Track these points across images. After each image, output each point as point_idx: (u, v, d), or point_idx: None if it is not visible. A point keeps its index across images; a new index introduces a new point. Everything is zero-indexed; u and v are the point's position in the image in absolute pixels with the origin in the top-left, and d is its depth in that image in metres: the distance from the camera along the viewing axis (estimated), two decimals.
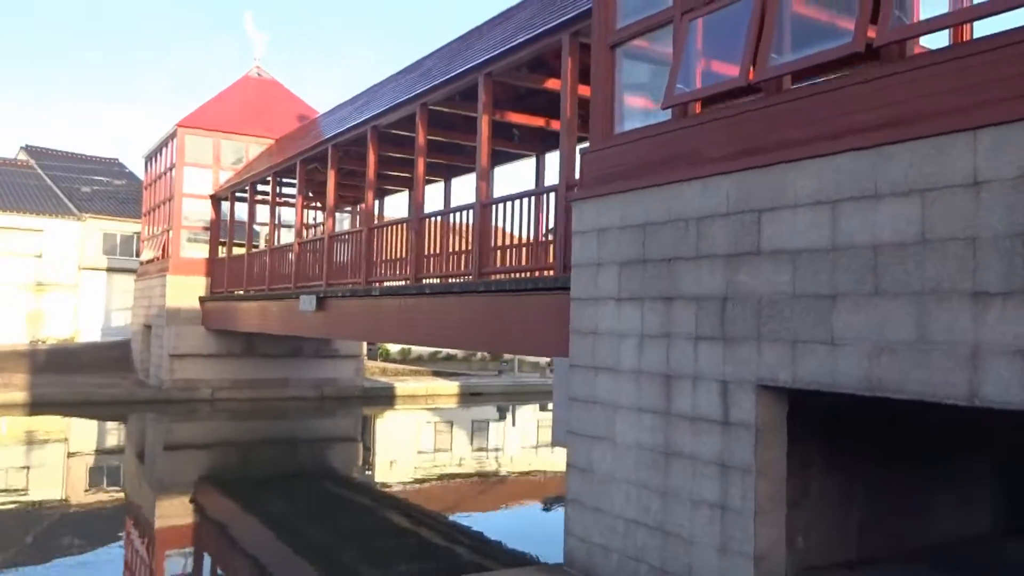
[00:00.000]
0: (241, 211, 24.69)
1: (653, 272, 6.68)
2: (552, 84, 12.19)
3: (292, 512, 12.88)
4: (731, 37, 6.42)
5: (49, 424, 21.36)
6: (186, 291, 24.04)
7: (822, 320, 5.28)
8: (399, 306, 13.10)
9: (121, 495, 14.60)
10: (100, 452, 18.87)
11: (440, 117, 13.80)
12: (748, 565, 5.66)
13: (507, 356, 38.71)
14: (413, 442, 21.40)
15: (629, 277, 6.92)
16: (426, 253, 13.16)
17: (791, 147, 5.59)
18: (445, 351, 38.16)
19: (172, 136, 24.90)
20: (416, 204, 13.03)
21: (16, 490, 14.42)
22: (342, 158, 17.10)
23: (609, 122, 7.50)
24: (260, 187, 22.37)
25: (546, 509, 13.91)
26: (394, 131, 14.96)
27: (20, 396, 22.26)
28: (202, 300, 24.14)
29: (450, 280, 12.77)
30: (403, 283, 13.55)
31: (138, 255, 39.14)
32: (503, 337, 10.65)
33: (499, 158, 17.09)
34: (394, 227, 14.05)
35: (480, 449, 20.46)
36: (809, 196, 5.43)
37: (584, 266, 7.48)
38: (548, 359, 38.12)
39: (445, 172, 19.00)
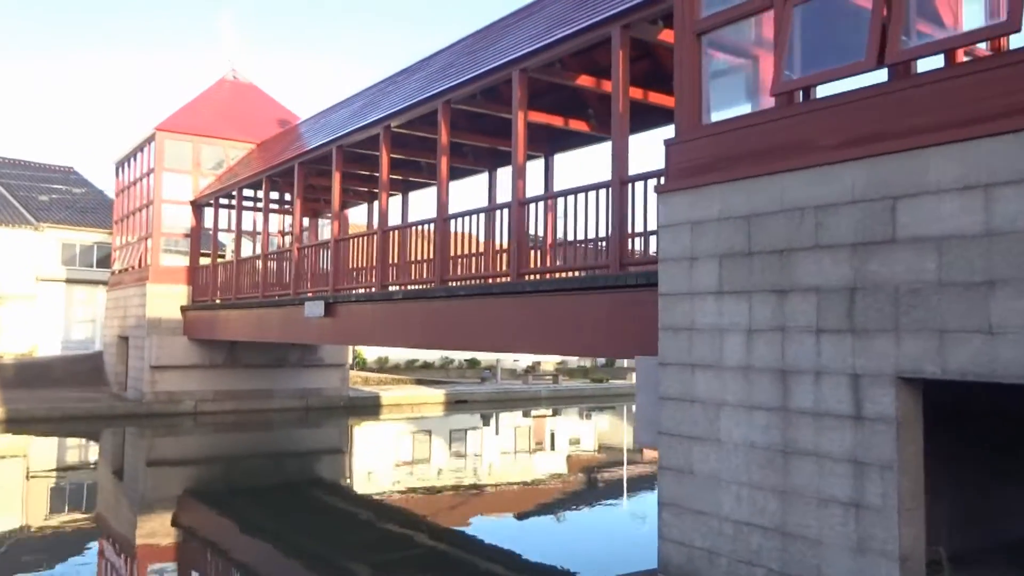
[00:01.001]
0: (221, 218, 23.96)
1: (761, 264, 6.46)
2: (584, 80, 11.99)
3: (289, 527, 12.16)
4: (842, 23, 6.26)
5: (25, 442, 20.32)
6: (166, 300, 23.17)
7: (976, 308, 5.11)
8: (423, 309, 12.69)
9: (110, 512, 13.81)
10: (82, 469, 17.87)
11: (463, 116, 13.48)
12: (892, 566, 5.45)
13: (486, 364, 38.40)
14: (404, 452, 20.86)
15: (732, 270, 6.69)
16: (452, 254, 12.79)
17: (931, 131, 5.42)
18: (421, 359, 37.69)
19: (149, 140, 24.02)
20: (440, 204, 12.65)
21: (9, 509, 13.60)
22: (346, 161, 16.60)
23: (696, 113, 7.28)
24: (245, 192, 21.74)
25: (558, 519, 13.63)
26: (406, 131, 14.57)
27: None
28: (184, 309, 23.30)
29: (468, 283, 12.44)
30: (424, 286, 13.15)
31: (99, 266, 37.92)
32: (549, 338, 10.33)
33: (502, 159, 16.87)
34: (412, 229, 13.65)
35: (473, 456, 20.02)
36: (955, 181, 5.27)
37: (674, 260, 7.23)
38: (527, 365, 37.87)
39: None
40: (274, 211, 25.39)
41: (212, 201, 22.83)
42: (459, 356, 38.82)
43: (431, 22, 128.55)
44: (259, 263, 18.99)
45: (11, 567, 9.89)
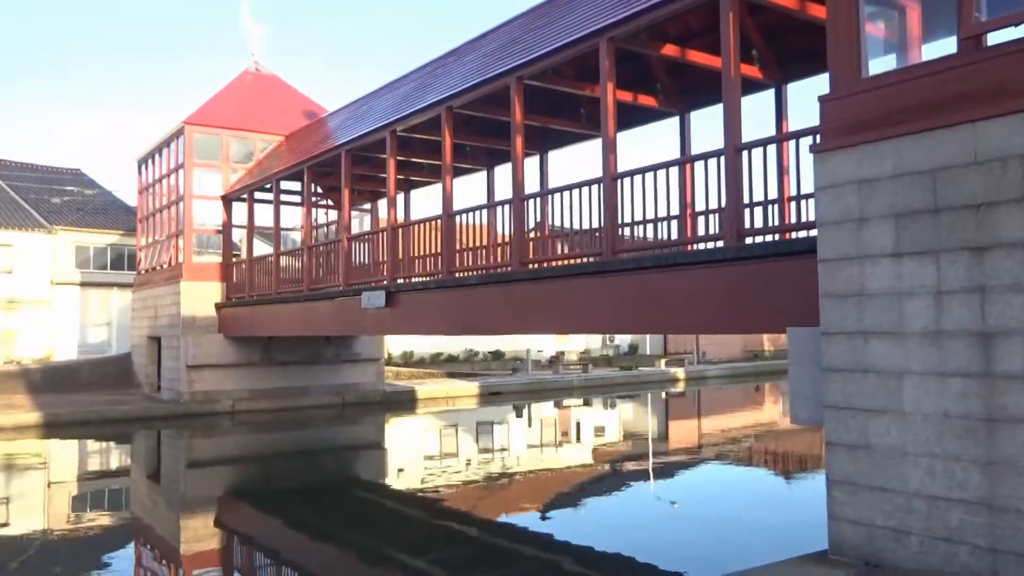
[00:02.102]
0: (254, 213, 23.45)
1: (951, 221, 6.02)
2: (669, 50, 11.53)
3: (336, 525, 11.71)
4: None
5: (64, 446, 19.83)
6: (200, 298, 22.68)
7: None
8: (502, 294, 12.23)
9: (153, 513, 13.35)
10: (122, 475, 17.29)
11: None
12: None
13: (511, 355, 37.99)
14: (444, 446, 20.41)
15: (912, 229, 6.25)
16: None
17: None
18: (446, 352, 37.25)
19: (177, 134, 23.49)
20: (516, 183, 12.18)
21: (65, 514, 13.15)
22: (401, 147, 16.08)
23: (855, 66, 6.83)
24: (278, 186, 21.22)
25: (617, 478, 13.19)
26: (468, 112, 14.10)
27: (31, 417, 20.62)
28: (219, 307, 22.81)
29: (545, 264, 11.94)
30: (500, 270, 12.70)
31: (112, 267, 37.36)
32: (654, 317, 9.91)
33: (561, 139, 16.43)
34: (477, 213, 13.17)
35: (519, 448, 19.54)
36: None
37: (836, 223, 6.78)
38: (550, 356, 37.44)
39: (486, 160, 18.28)
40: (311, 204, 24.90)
41: (246, 195, 22.32)
42: (483, 348, 38.41)
43: (443, 23, 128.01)
44: (304, 256, 18.48)
45: (67, 569, 9.53)
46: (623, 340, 43.94)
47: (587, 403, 29.22)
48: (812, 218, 9.13)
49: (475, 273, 13.09)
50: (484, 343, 38.64)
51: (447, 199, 13.77)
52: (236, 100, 24.62)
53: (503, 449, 19.36)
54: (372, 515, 12.91)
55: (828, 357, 6.84)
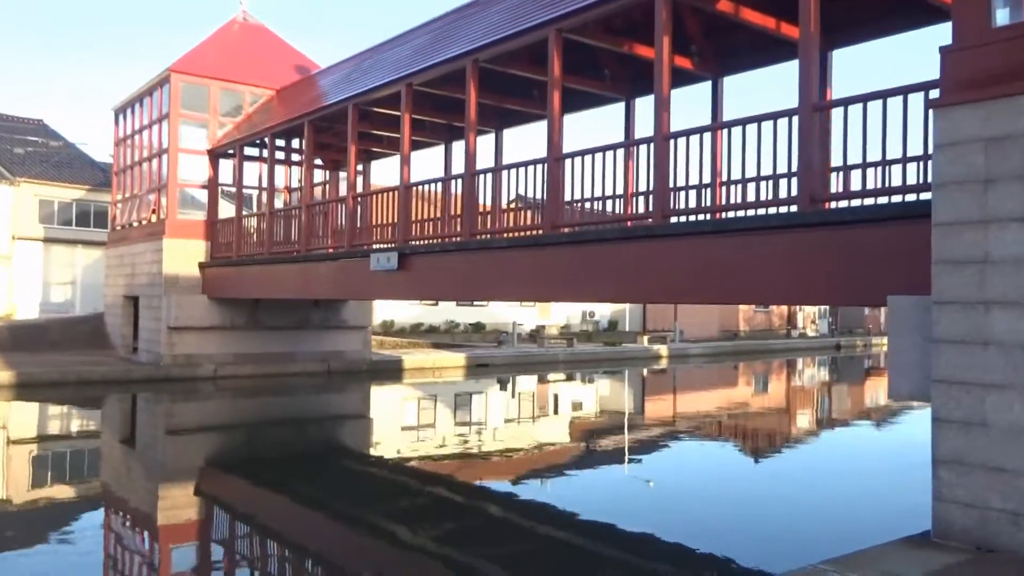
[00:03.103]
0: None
1: None
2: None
3: (330, 494, 11.12)
4: None
5: (41, 409, 18.81)
6: (184, 256, 21.67)
7: None
8: (533, 258, 11.61)
9: (133, 480, 12.59)
10: (98, 437, 16.37)
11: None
12: None
13: (491, 327, 37.44)
14: (434, 417, 19.83)
15: None
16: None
17: None
18: (427, 323, 36.56)
19: (162, 83, 22.29)
20: (554, 144, 11.52)
21: (54, 481, 12.32)
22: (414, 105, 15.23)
23: (984, 14, 6.32)
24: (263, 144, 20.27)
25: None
26: (494, 66, 13.35)
27: (4, 377, 19.51)
28: (202, 266, 21.83)
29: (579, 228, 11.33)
30: (532, 233, 12.07)
31: (78, 224, 35.86)
32: (712, 285, 9.37)
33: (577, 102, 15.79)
34: (505, 172, 12.49)
35: (517, 420, 19.05)
36: None
37: (958, 184, 6.29)
38: (531, 330, 36.94)
39: (496, 122, 17.59)
40: (294, 163, 23.95)
41: (234, 150, 21.28)
42: (465, 320, 37.78)
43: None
44: (303, 215, 17.62)
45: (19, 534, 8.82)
46: (603, 316, 43.63)
47: (573, 377, 28.83)
48: (896, 182, 8.71)
49: (503, 236, 12.41)
50: (465, 314, 38.03)
51: (470, 157, 13.07)
52: (224, 50, 23.46)
53: (493, 421, 18.87)
54: (359, 484, 12.39)
55: (940, 328, 6.37)
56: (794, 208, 8.70)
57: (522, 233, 12.31)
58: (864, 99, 8.14)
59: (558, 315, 41.57)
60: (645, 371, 32.63)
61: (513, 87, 15.43)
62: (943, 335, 6.36)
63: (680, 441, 17.06)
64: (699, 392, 28.01)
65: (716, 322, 46.75)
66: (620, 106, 15.60)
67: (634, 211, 11.82)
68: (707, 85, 13.67)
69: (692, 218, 10.26)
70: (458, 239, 13.26)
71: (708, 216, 10.03)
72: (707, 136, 9.80)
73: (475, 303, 37.90)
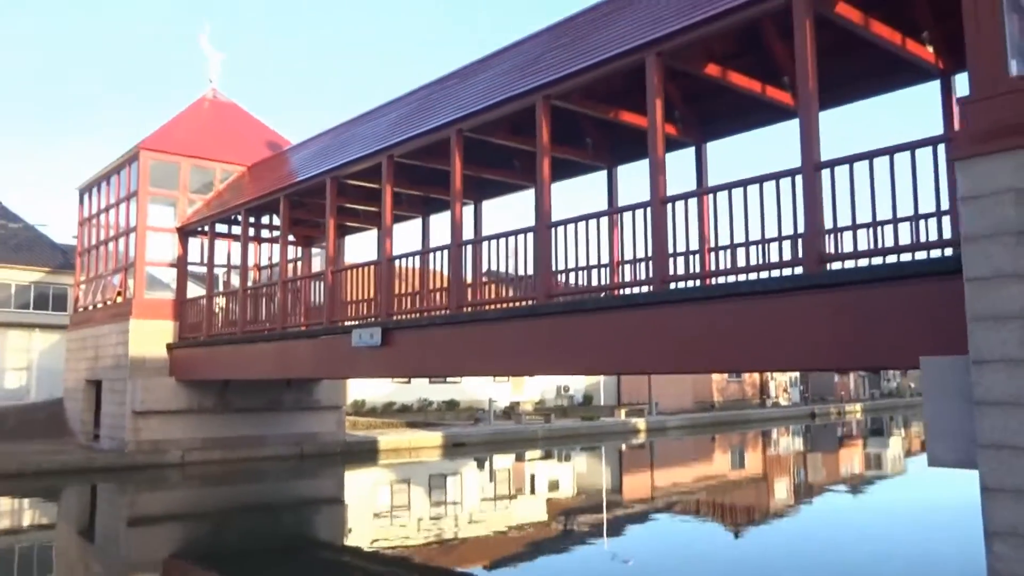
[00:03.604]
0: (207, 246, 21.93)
1: None
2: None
3: None
4: None
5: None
6: (151, 337, 20.85)
7: None
8: (531, 328, 11.16)
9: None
10: (52, 530, 15.23)
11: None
12: None
13: (465, 405, 36.66)
14: (410, 500, 18.94)
15: None
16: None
17: None
18: (399, 402, 35.67)
19: (130, 160, 21.85)
20: (543, 212, 11.24)
21: None
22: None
23: (1000, 63, 6.19)
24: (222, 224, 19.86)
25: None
26: (477, 136, 13.16)
27: None
28: (171, 347, 21.00)
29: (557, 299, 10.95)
30: (525, 303, 11.66)
31: (35, 307, 34.76)
32: (743, 352, 8.95)
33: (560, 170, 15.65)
34: (500, 240, 12.14)
35: (486, 501, 18.27)
36: None
37: (989, 237, 6.03)
38: (505, 406, 36.19)
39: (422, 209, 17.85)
40: (264, 240, 23.48)
41: (207, 227, 20.78)
42: (438, 398, 36.96)
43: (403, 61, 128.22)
44: (279, 292, 17.05)
45: None
46: (577, 390, 43.04)
47: (552, 455, 28.04)
48: (903, 241, 8.50)
49: (492, 307, 11.97)
50: (439, 392, 37.21)
51: (456, 227, 12.73)
52: (194, 126, 23.17)
53: (471, 502, 18.09)
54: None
55: (982, 389, 6.02)
56: (800, 270, 8.44)
57: (512, 304, 11.87)
58: (870, 156, 7.99)
59: (532, 390, 40.91)
60: (623, 446, 31.98)
61: (494, 158, 15.28)
62: (986, 396, 6.00)
63: (659, 519, 16.43)
64: (680, 467, 27.39)
65: (690, 393, 46.36)
66: (593, 176, 15.63)
67: (621, 279, 11.52)
68: (690, 152, 13.62)
69: (689, 283, 9.97)
70: (445, 312, 12.81)
71: (703, 281, 9.72)
72: (703, 199, 9.58)
73: (448, 380, 37.18)
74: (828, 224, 8.57)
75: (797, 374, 56.25)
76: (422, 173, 16.39)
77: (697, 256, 9.99)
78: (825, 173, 8.28)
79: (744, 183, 9.01)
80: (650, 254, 10.09)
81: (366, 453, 25.08)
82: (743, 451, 32.23)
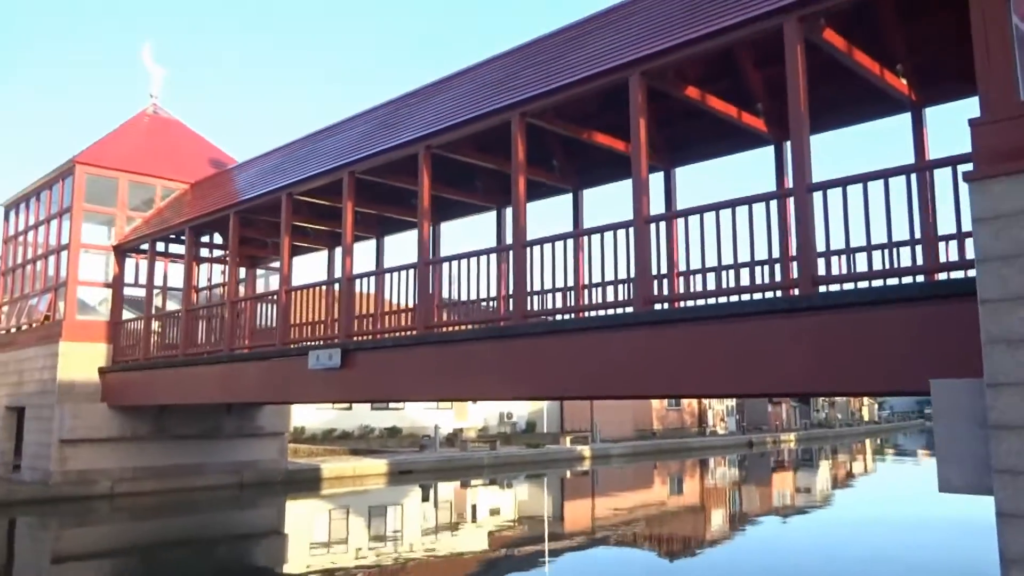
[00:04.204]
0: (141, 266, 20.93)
1: None
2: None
3: None
4: None
5: None
6: (83, 361, 19.67)
7: None
8: (504, 349, 10.82)
9: None
10: None
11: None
12: None
13: (408, 431, 35.88)
14: (355, 531, 18.27)
15: None
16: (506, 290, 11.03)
17: None
18: (340, 428, 34.67)
19: (63, 174, 20.75)
20: (518, 228, 10.96)
21: None
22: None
23: (1011, 85, 6.20)
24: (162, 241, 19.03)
25: None
26: (444, 152, 12.83)
27: None
28: (104, 371, 19.86)
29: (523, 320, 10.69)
30: (499, 323, 11.31)
31: None
32: (718, 373, 8.78)
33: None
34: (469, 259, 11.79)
35: (428, 532, 17.76)
36: None
37: (1004, 259, 5.98)
38: (447, 433, 35.54)
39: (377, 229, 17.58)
40: (204, 260, 22.56)
41: (145, 246, 19.83)
42: (380, 424, 36.07)
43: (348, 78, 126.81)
44: (226, 312, 16.28)
45: None
46: (520, 417, 42.67)
47: (497, 482, 27.57)
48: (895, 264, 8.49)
49: (466, 327, 11.55)
50: (381, 419, 36.35)
51: (423, 245, 12.34)
52: (133, 141, 22.19)
53: (415, 532, 17.61)
54: None
55: (998, 412, 5.91)
56: (795, 292, 8.33)
57: (485, 324, 11.49)
58: (864, 179, 7.95)
59: (475, 417, 40.36)
60: (568, 473, 31.73)
61: (456, 177, 14.97)
62: (1002, 420, 5.89)
63: (599, 547, 16.25)
64: (622, 494, 27.26)
65: (631, 420, 46.51)
66: (555, 200, 15.54)
67: (602, 299, 11.29)
68: (658, 176, 13.58)
69: (675, 305, 9.79)
70: (411, 332, 12.35)
71: (702, 301, 9.55)
72: (685, 220, 9.42)
73: (390, 406, 36.39)
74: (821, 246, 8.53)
75: (733, 403, 57.13)
76: (380, 191, 15.97)
77: (698, 276, 9.82)
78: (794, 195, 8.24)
79: (732, 204, 8.90)
80: (632, 275, 9.87)
81: (309, 482, 24.17)
82: (685, 479, 32.33)
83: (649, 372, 9.20)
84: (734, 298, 9.12)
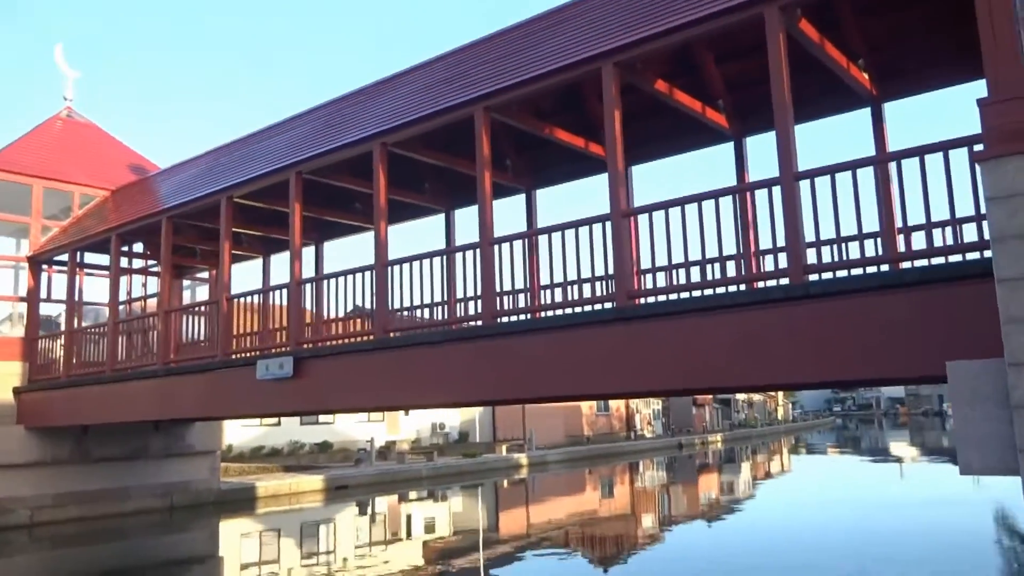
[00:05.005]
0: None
1: None
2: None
3: None
4: None
5: None
6: None
7: None
8: (476, 351, 10.40)
9: None
10: None
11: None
12: None
13: (339, 445, 34.87)
14: (293, 549, 17.55)
15: None
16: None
17: None
18: (269, 445, 33.40)
19: None
20: (485, 226, 10.57)
21: None
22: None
23: (1020, 65, 6.20)
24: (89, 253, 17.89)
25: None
26: (401, 151, 12.34)
27: None
28: (19, 391, 18.43)
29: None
30: (472, 324, 10.87)
31: None
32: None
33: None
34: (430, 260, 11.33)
35: (362, 547, 17.31)
36: None
37: (1019, 237, 5.95)
38: (380, 445, 34.72)
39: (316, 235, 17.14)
40: (124, 271, 21.27)
41: (66, 256, 18.54)
42: (310, 440, 34.90)
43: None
44: (160, 323, 15.28)
45: None
46: (452, 427, 42.05)
47: (435, 495, 26.97)
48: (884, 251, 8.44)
49: (429, 331, 11.07)
50: (310, 434, 35.17)
51: (382, 246, 11.79)
52: (48, 146, 20.76)
53: (350, 549, 17.12)
54: None
55: (1021, 391, 5.86)
56: (785, 281, 8.21)
57: (455, 326, 11.04)
58: (852, 167, 7.91)
59: (408, 429, 39.55)
60: (505, 482, 31.37)
61: (404, 178, 14.46)
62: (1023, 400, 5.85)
63: (536, 554, 16.15)
64: (559, 500, 27.13)
65: (562, 427, 46.49)
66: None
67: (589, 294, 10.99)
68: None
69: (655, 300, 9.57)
70: (369, 338, 11.78)
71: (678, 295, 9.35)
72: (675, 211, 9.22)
73: (320, 421, 35.28)
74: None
75: (659, 407, 57.91)
76: (321, 194, 15.29)
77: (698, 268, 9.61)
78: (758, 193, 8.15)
79: (715, 194, 8.74)
80: (610, 271, 9.62)
81: (243, 501, 23.07)
82: (618, 483, 32.44)
83: (642, 367, 8.94)
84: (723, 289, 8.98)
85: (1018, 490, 5.85)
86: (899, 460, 38.80)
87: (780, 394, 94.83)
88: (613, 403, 51.85)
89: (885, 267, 8.35)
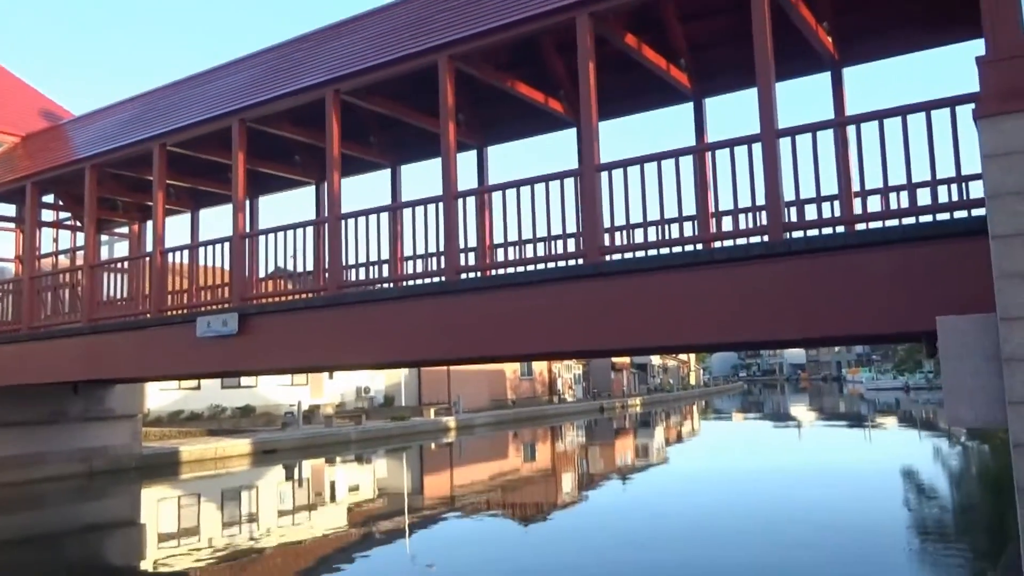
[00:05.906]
0: None
1: None
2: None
3: None
4: None
5: None
6: None
7: None
8: (437, 307, 10.11)
9: None
10: None
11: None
12: None
13: (262, 409, 34.00)
14: (218, 514, 17.09)
15: None
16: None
17: None
18: (188, 409, 32.25)
19: None
20: (450, 179, 10.23)
21: None
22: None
23: (1018, 24, 6.27)
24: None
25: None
26: (353, 99, 11.79)
27: None
28: None
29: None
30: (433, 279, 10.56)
31: None
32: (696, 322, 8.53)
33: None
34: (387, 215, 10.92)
35: (289, 512, 17.14)
36: None
37: (1019, 194, 6.04)
38: (305, 409, 34.04)
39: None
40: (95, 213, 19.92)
41: None
42: (231, 404, 33.85)
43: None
44: (85, 277, 14.34)
45: None
46: (378, 391, 41.54)
47: (363, 458, 26.64)
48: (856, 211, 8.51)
49: (391, 286, 10.70)
50: (232, 397, 34.11)
51: (334, 199, 11.28)
52: None
53: (280, 514, 16.82)
54: None
55: (1013, 345, 6.00)
56: (766, 238, 8.19)
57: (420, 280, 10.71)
58: (833, 124, 7.92)
59: (332, 393, 38.84)
60: (433, 445, 31.28)
61: (353, 130, 13.88)
62: (1016, 353, 5.98)
63: (462, 517, 16.19)
64: (485, 463, 27.29)
65: (486, 391, 46.58)
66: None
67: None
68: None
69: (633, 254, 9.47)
70: (322, 293, 11.32)
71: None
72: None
73: (242, 384, 34.26)
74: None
75: (580, 372, 58.70)
76: (262, 145, 14.55)
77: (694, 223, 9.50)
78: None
79: (712, 147, 8.65)
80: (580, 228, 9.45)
81: (167, 467, 22.21)
82: (543, 445, 32.85)
83: (613, 324, 8.84)
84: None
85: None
86: (798, 424, 40.56)
87: (692, 359, 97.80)
88: (536, 367, 52.24)
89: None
